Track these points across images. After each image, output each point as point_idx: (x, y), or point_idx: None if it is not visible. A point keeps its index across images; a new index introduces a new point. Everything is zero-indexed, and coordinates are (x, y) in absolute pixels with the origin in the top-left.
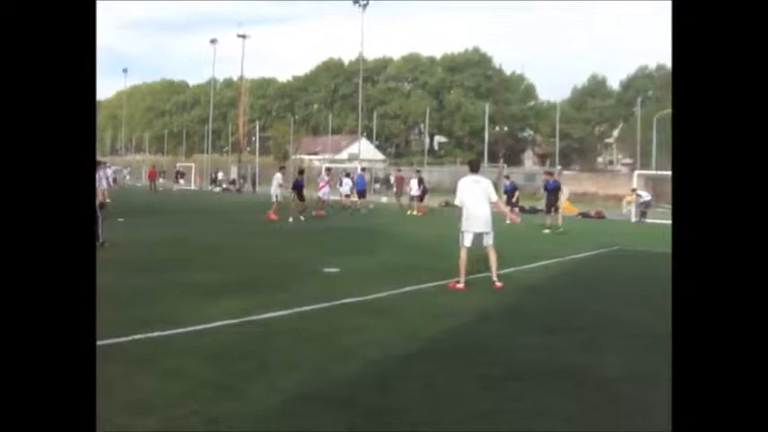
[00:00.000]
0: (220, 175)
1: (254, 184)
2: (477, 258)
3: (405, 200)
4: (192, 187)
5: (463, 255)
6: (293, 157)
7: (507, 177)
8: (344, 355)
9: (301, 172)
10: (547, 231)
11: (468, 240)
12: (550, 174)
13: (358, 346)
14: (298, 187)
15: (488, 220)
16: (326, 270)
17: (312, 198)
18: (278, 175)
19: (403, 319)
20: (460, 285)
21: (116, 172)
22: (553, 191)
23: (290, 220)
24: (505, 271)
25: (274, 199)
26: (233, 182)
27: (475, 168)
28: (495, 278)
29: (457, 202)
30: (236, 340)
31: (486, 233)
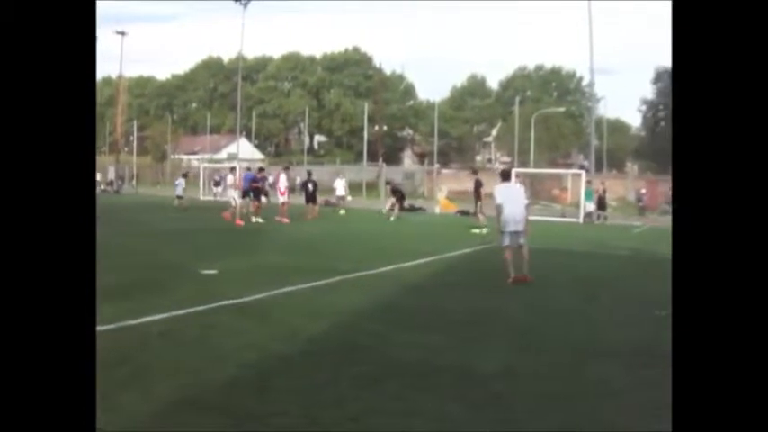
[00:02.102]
0: (98, 177)
1: (135, 185)
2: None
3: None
4: None
5: (508, 254)
6: (172, 156)
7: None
8: (221, 359)
9: (261, 170)
10: (476, 231)
11: (507, 240)
12: (475, 172)
13: (235, 348)
14: (256, 188)
15: (524, 221)
16: (204, 272)
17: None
18: (230, 177)
19: (281, 320)
20: (509, 280)
21: None
22: (475, 189)
23: (261, 220)
24: (385, 269)
25: (233, 203)
26: (110, 183)
27: (507, 177)
28: (526, 272)
29: (498, 202)
30: (109, 347)
31: (521, 232)
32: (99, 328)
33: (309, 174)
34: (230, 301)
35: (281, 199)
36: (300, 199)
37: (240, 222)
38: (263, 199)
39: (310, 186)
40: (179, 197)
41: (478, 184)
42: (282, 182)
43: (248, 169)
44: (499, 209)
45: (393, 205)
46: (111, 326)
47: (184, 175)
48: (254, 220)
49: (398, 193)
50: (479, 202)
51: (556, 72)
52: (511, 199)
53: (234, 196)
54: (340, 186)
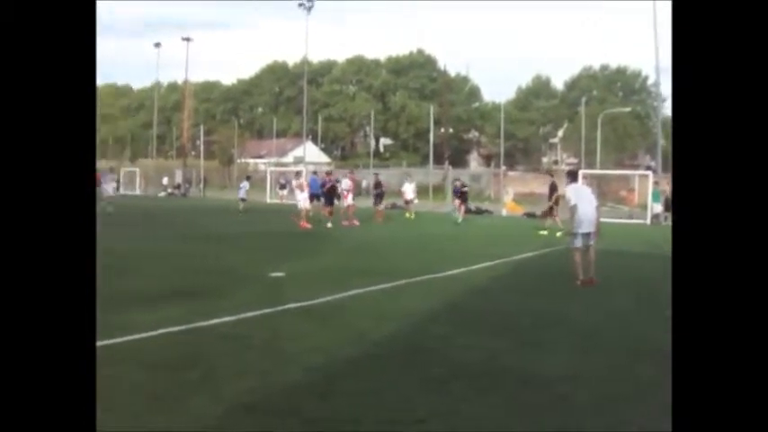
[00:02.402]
0: (165, 180)
1: (203, 188)
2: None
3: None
4: (138, 192)
5: (577, 256)
6: (238, 161)
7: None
8: (288, 362)
9: (328, 173)
10: (543, 233)
11: (578, 242)
12: (550, 174)
13: (302, 351)
14: (330, 191)
15: (596, 221)
16: (272, 275)
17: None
18: (295, 181)
19: (348, 323)
20: (578, 282)
21: None
22: (550, 192)
23: (330, 224)
24: (451, 272)
25: (301, 206)
26: (178, 186)
27: (575, 177)
28: (593, 274)
29: (573, 203)
30: (178, 348)
31: (592, 233)
32: (167, 329)
33: (377, 176)
34: (297, 304)
35: (346, 202)
36: (368, 202)
37: (307, 225)
38: (335, 201)
39: (382, 189)
40: (242, 200)
41: (554, 187)
42: (345, 185)
43: (315, 173)
44: (574, 209)
45: (459, 204)
46: (181, 327)
47: (248, 178)
48: (329, 225)
49: (461, 190)
50: (554, 205)
51: (621, 71)
52: (583, 199)
53: (301, 200)
54: (409, 190)
